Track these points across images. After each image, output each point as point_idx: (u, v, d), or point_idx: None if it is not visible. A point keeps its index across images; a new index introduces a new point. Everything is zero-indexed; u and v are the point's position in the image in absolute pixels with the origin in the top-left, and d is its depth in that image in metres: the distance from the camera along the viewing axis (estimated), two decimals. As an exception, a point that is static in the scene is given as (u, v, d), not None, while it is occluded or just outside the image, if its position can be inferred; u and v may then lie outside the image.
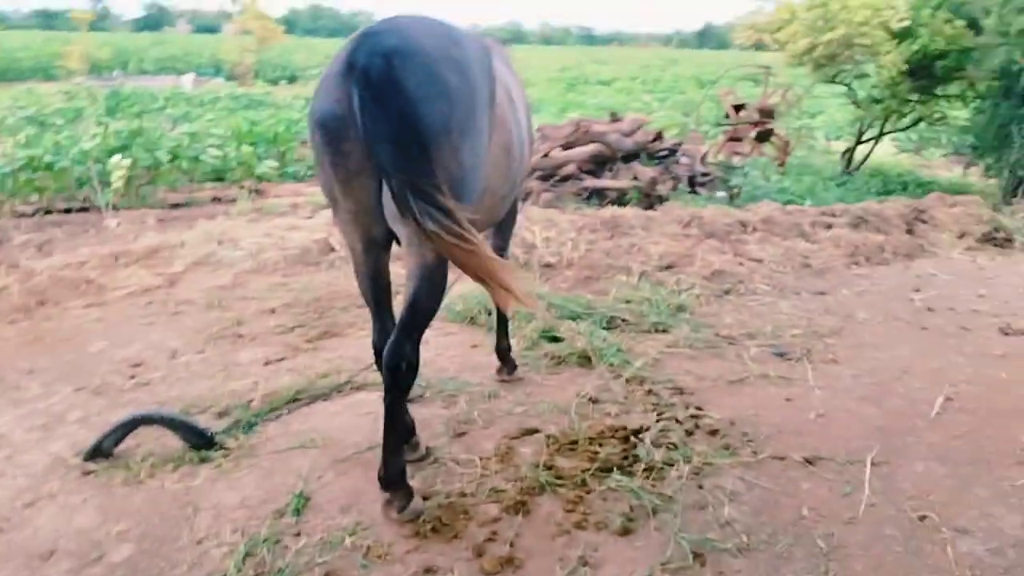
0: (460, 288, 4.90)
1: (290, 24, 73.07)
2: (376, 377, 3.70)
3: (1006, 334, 4.75)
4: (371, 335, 2.93)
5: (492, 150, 2.67)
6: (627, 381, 3.85)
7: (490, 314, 4.35)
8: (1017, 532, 2.71)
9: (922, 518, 2.77)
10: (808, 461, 3.13)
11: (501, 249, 3.70)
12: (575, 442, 3.19)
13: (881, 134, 11.23)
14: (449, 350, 4.28)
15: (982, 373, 4.11)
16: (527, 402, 3.62)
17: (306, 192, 9.05)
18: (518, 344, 4.24)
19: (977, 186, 10.29)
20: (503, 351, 3.88)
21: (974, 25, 9.18)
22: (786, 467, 3.10)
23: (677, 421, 3.42)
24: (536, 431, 3.32)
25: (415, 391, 3.61)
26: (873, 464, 3.11)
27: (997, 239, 7.24)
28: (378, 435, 2.71)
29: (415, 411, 3.31)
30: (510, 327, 4.00)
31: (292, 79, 33.03)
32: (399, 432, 2.74)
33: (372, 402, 3.53)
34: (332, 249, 6.17)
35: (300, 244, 6.20)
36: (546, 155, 8.69)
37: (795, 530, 2.69)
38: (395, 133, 2.21)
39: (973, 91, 9.97)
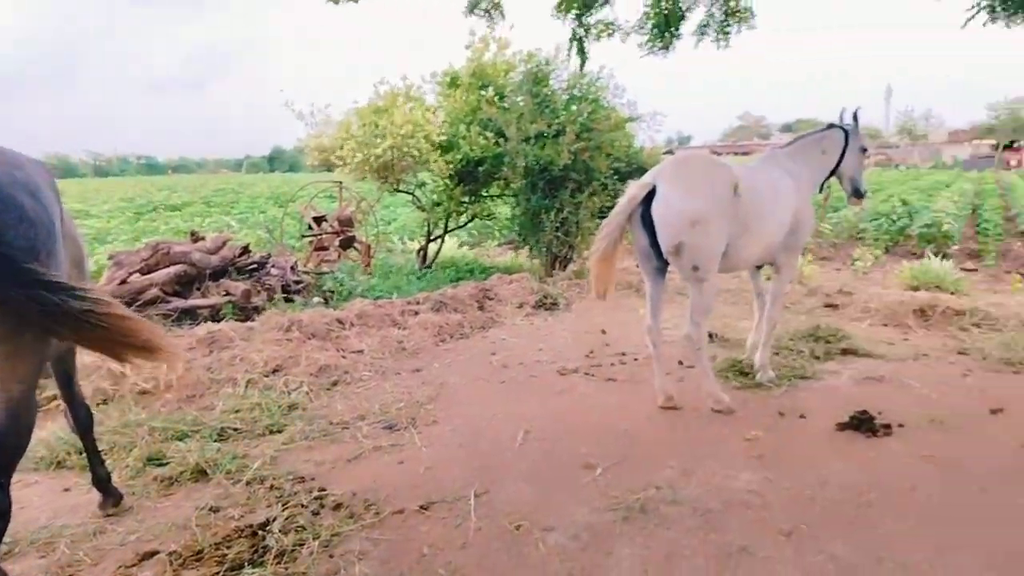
0: (41, 433, 4.35)
1: None
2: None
3: (562, 375, 5.92)
4: None
5: (66, 267, 2.60)
6: (248, 484, 3.83)
7: (80, 453, 3.93)
8: (587, 519, 3.43)
9: (518, 527, 3.34)
10: (423, 508, 3.53)
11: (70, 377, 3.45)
12: (200, 552, 3.09)
13: (445, 232, 12.86)
14: (36, 499, 3.74)
15: (549, 407, 5.07)
16: (140, 528, 3.37)
17: None
18: (121, 476, 3.92)
19: (526, 265, 12.36)
20: (102, 481, 3.55)
21: (503, 134, 11.18)
22: (406, 518, 3.45)
23: (303, 506, 3.53)
24: (155, 553, 3.12)
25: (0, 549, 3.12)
26: (476, 496, 3.64)
27: (546, 304, 8.89)
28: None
29: (6, 569, 2.87)
30: (108, 462, 3.69)
31: None
32: None
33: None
34: None
35: None
36: (124, 282, 8.02)
37: (419, 567, 3.03)
38: None
39: (510, 190, 11.99)
